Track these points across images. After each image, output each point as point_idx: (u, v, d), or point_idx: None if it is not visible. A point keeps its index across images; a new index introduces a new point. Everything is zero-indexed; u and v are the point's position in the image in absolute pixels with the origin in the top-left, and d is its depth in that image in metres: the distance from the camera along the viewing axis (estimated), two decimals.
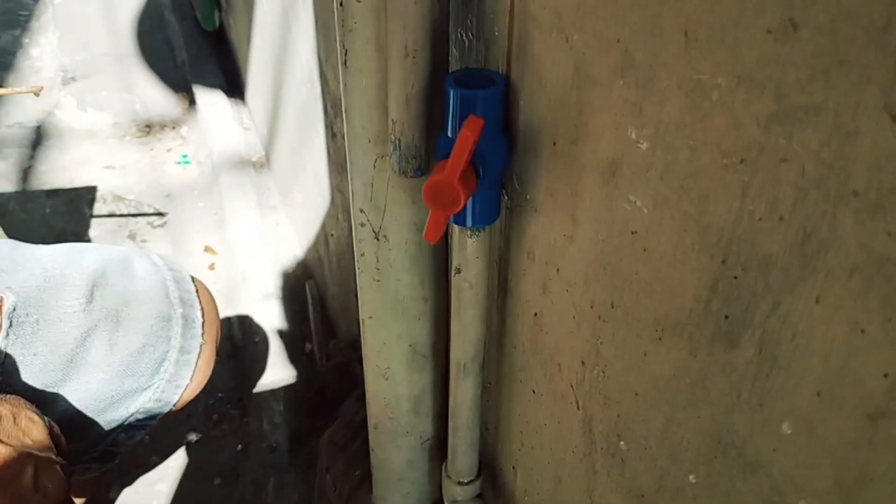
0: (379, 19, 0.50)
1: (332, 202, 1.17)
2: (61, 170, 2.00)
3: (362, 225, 0.61)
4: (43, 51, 2.46)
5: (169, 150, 2.09)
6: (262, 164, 1.85)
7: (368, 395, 0.72)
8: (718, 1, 0.31)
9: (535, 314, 0.54)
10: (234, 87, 2.08)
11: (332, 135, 1.05)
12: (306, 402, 1.37)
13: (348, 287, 1.16)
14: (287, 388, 1.39)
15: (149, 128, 2.17)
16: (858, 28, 0.25)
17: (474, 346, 0.59)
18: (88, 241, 1.80)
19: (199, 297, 0.78)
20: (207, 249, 1.76)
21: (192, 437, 1.39)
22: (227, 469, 1.34)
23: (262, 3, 1.44)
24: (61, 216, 1.86)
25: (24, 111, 2.15)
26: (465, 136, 0.44)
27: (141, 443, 1.35)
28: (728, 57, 0.31)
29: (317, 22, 1.00)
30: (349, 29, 0.51)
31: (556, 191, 0.47)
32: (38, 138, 2.07)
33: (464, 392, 0.62)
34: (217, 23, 2.04)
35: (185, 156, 2.05)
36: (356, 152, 0.57)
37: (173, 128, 2.17)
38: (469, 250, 0.53)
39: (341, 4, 0.51)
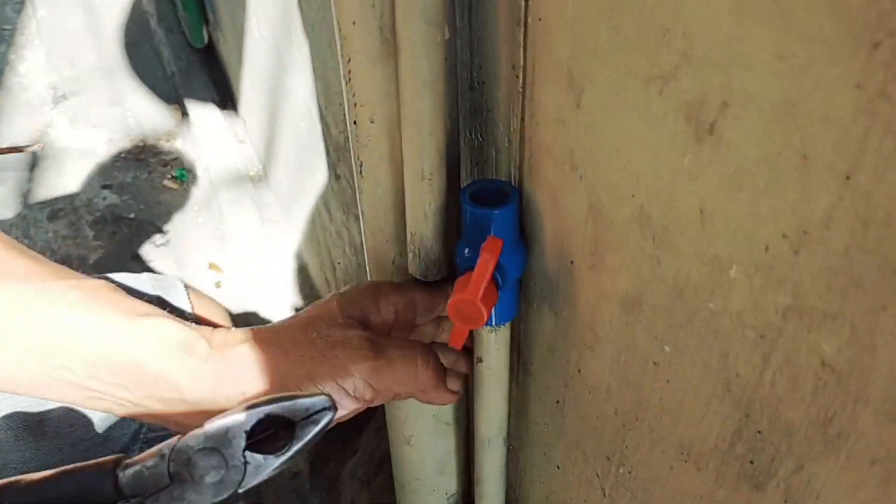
0: (393, 138, 0.51)
1: (339, 235, 1.18)
2: (60, 191, 2.00)
3: None
4: (30, 66, 2.44)
5: (165, 166, 2.09)
6: (260, 178, 1.85)
7: (394, 457, 0.75)
8: (734, 194, 0.32)
9: (558, 402, 0.56)
10: (227, 100, 2.07)
11: (336, 176, 1.06)
12: None
13: None
14: None
15: (143, 142, 2.16)
16: (874, 261, 0.27)
17: (498, 424, 0.61)
18: (92, 265, 1.81)
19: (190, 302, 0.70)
20: (212, 266, 1.78)
21: None
22: (250, 491, 1.37)
23: (251, 29, 1.44)
24: (64, 240, 1.87)
25: (17, 133, 2.15)
26: (486, 260, 0.46)
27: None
28: (744, 245, 0.33)
29: (314, 69, 1.01)
30: (364, 144, 0.52)
31: (576, 304, 0.48)
32: (34, 160, 2.07)
33: (490, 463, 0.64)
34: (205, 39, 2.02)
35: (181, 171, 2.05)
36: (374, 249, 0.59)
37: (168, 141, 2.16)
38: (491, 343, 0.55)
39: (355, 123, 0.52)
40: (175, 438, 0.37)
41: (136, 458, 0.35)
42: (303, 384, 0.47)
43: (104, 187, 2.01)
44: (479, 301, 0.46)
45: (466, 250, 0.50)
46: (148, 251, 1.84)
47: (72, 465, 0.33)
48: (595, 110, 0.39)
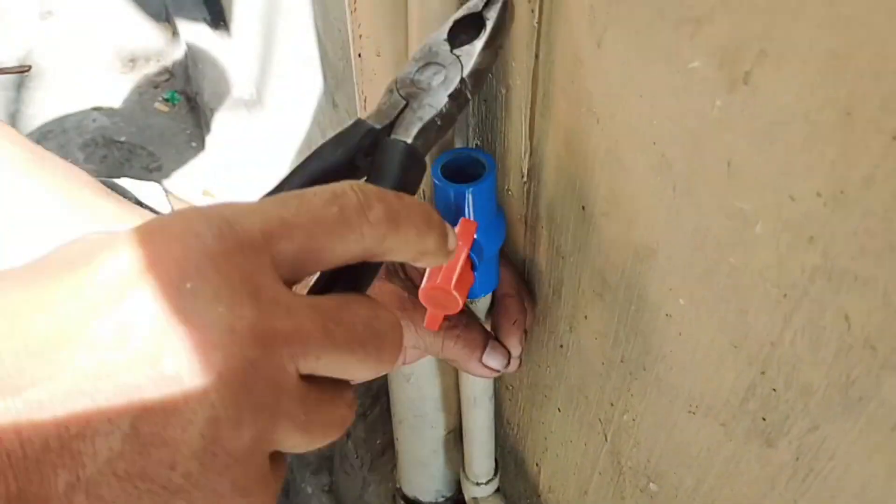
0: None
1: None
2: (49, 112, 1.96)
3: None
4: None
5: (156, 87, 2.04)
6: (254, 103, 1.81)
7: (392, 394, 0.75)
8: (766, 147, 0.30)
9: (561, 346, 0.56)
10: (219, 20, 2.01)
11: (334, 104, 1.04)
12: None
13: None
14: None
15: (133, 62, 2.11)
16: None
17: (483, 382, 0.61)
18: None
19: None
20: (206, 193, 1.76)
21: None
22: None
23: None
24: None
25: (3, 52, 2.08)
26: (458, 247, 0.42)
27: None
28: (774, 201, 0.31)
29: None
30: (369, 78, 0.50)
31: (586, 250, 0.47)
32: (20, 80, 2.02)
33: (475, 419, 0.65)
34: None
35: (173, 93, 2.00)
36: None
37: (158, 61, 2.11)
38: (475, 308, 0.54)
39: (360, 55, 0.50)
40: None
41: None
42: None
43: (94, 109, 1.97)
44: (453, 289, 0.44)
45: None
46: (139, 175, 1.81)
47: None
48: (618, 52, 0.37)
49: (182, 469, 0.24)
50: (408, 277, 0.52)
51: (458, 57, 0.39)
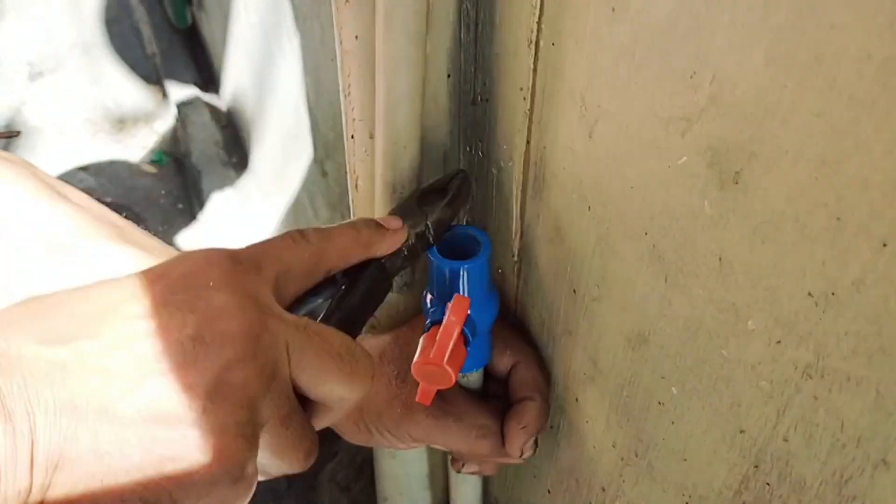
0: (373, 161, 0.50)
1: None
2: None
3: (373, 327, 0.61)
4: (6, 41, 2.38)
5: (144, 148, 2.05)
6: (242, 167, 1.82)
7: (377, 470, 0.74)
8: (757, 246, 0.31)
9: (552, 427, 0.55)
10: (209, 84, 2.03)
11: (324, 173, 1.04)
12: None
13: None
14: None
15: (122, 123, 2.12)
16: None
17: None
18: None
19: None
20: None
21: None
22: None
23: (238, 12, 1.41)
24: None
25: None
26: (452, 323, 0.43)
27: None
28: (766, 298, 0.31)
29: (305, 64, 0.98)
30: (360, 159, 0.51)
31: (576, 333, 0.47)
32: (7, 143, 2.02)
33: (462, 497, 0.64)
34: (189, 20, 1.98)
35: (161, 154, 2.01)
36: None
37: (147, 122, 2.12)
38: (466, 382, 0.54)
39: (352, 137, 0.50)
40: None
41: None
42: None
43: (81, 169, 1.97)
44: (446, 364, 0.43)
45: (430, 297, 0.48)
46: None
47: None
48: (609, 143, 0.38)
49: (198, 405, 0.29)
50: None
51: (425, 212, 0.45)
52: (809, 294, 0.29)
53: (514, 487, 0.66)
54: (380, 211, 0.53)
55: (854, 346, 0.28)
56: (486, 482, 0.70)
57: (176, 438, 0.28)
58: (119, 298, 0.30)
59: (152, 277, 0.31)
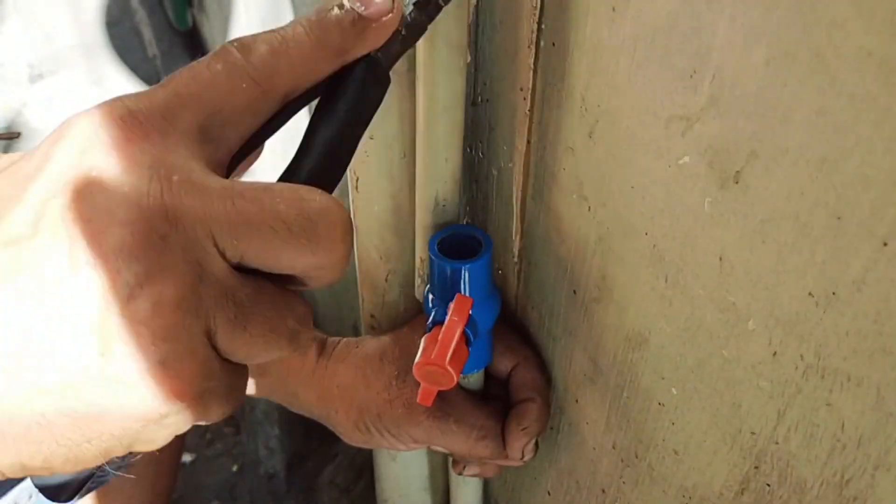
0: (392, 154, 0.49)
1: None
2: None
3: (373, 328, 0.61)
4: (6, 42, 2.38)
5: None
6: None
7: (377, 472, 0.73)
8: (757, 245, 0.31)
9: (551, 428, 0.55)
10: None
11: None
12: (301, 422, 1.38)
13: (343, 307, 1.16)
14: (280, 408, 1.40)
15: None
16: None
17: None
18: None
19: None
20: None
21: (187, 457, 1.40)
22: (224, 491, 1.35)
23: (239, 14, 1.41)
24: None
25: None
26: (454, 323, 0.42)
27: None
28: (766, 297, 0.31)
29: None
30: (361, 160, 0.51)
31: (576, 334, 0.47)
32: (8, 145, 2.02)
33: (463, 499, 0.64)
34: (190, 22, 1.98)
35: None
36: (366, 265, 0.57)
37: None
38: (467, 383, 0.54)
39: None
40: None
41: None
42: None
43: None
44: (448, 364, 0.43)
45: (431, 297, 0.48)
46: None
47: None
48: (609, 143, 0.38)
49: (109, 354, 0.23)
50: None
51: None
52: (810, 294, 0.29)
53: (514, 490, 0.66)
54: (379, 217, 0.53)
55: (855, 346, 0.28)
56: (486, 484, 0.69)
57: (96, 400, 0.24)
58: None
59: (23, 179, 0.24)
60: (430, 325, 0.46)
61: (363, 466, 0.99)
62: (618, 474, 0.48)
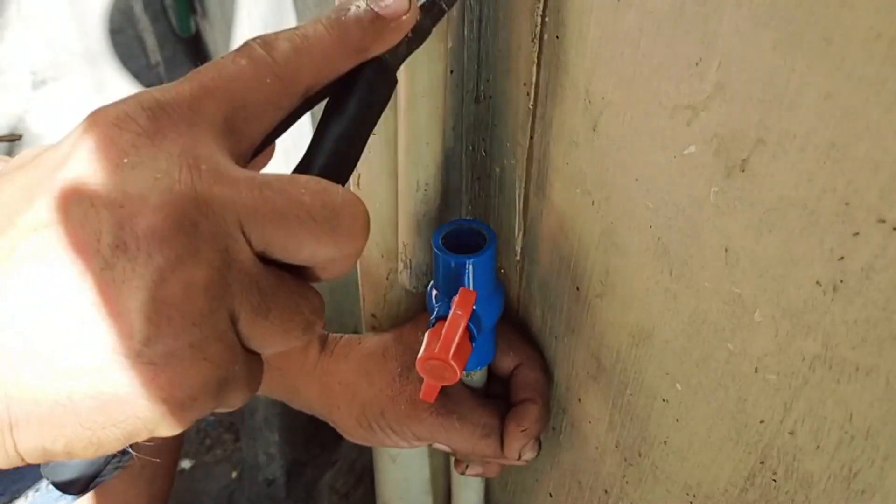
0: (394, 150, 0.49)
1: None
2: None
3: (374, 328, 0.61)
4: (9, 48, 2.39)
5: None
6: None
7: (377, 475, 0.73)
8: (763, 234, 0.30)
9: (553, 428, 0.55)
10: None
11: None
12: (300, 428, 1.37)
13: (344, 312, 1.16)
14: (280, 413, 1.39)
15: None
16: None
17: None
18: None
19: None
20: None
21: (186, 463, 1.39)
22: (223, 498, 1.34)
23: (241, 21, 1.41)
24: None
25: None
26: (458, 317, 0.42)
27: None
28: (773, 288, 0.31)
29: None
30: (362, 158, 0.50)
31: (579, 331, 0.47)
32: (10, 147, 2.02)
33: (464, 502, 0.63)
34: (193, 29, 1.99)
35: None
36: (368, 262, 0.57)
37: None
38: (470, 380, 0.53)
39: None
40: None
41: None
42: None
43: None
44: (451, 359, 0.43)
45: (435, 293, 0.48)
46: None
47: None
48: (613, 136, 0.37)
49: (139, 335, 0.23)
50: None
51: None
52: (817, 282, 0.29)
53: (516, 493, 0.66)
54: (381, 214, 0.52)
55: (863, 335, 0.28)
56: (487, 488, 0.69)
57: (124, 383, 0.24)
58: (13, 207, 0.24)
59: (52, 166, 0.25)
60: (434, 321, 0.46)
61: (363, 472, 0.98)
62: (621, 474, 0.47)
